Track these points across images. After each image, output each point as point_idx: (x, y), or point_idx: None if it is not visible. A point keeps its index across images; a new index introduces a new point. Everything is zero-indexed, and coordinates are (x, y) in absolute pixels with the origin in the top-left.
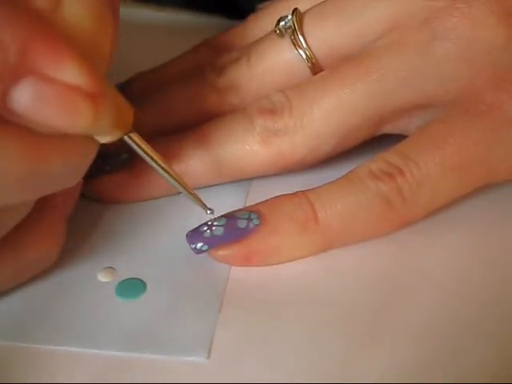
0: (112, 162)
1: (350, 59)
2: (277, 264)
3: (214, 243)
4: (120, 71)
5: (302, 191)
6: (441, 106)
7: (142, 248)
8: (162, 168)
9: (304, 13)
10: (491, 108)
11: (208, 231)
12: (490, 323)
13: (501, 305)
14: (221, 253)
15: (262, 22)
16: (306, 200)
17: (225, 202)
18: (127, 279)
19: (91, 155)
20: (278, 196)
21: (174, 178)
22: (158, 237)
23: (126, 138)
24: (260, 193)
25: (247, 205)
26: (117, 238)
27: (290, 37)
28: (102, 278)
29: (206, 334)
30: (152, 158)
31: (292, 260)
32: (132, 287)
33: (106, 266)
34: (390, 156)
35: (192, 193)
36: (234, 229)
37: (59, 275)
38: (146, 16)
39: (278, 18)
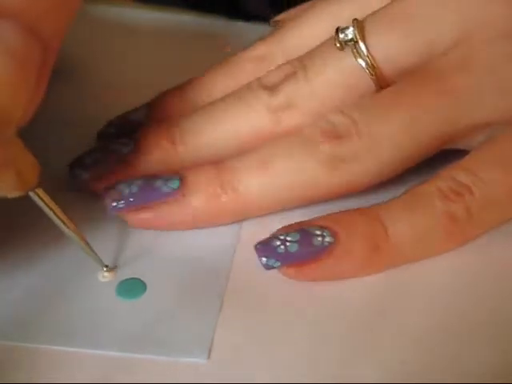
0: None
1: (419, 75)
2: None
3: (287, 260)
4: (120, 71)
5: (372, 207)
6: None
7: (142, 248)
8: (66, 225)
9: (364, 22)
10: None
11: (282, 247)
12: (492, 325)
13: (502, 306)
14: (292, 271)
15: (302, 30)
16: (376, 217)
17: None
18: (127, 279)
19: None
20: (348, 212)
21: (77, 235)
22: (158, 237)
23: (30, 193)
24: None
25: (241, 234)
26: (117, 238)
27: (352, 49)
28: (102, 278)
29: (206, 334)
30: (56, 215)
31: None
32: (132, 287)
33: (106, 265)
34: (457, 173)
35: (94, 254)
36: (309, 246)
37: (59, 275)
38: (146, 16)
39: (317, 23)
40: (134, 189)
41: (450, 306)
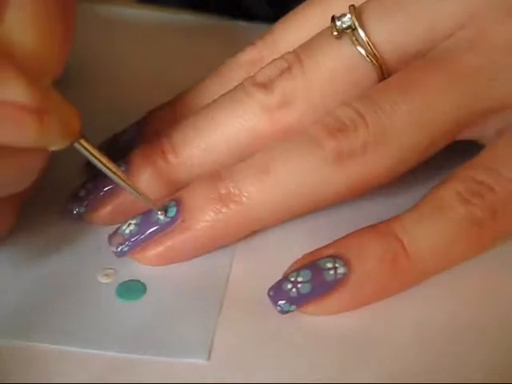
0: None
1: (427, 59)
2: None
3: (301, 302)
4: (121, 70)
5: (385, 224)
6: None
7: None
8: (114, 173)
9: (362, 9)
10: None
11: (294, 290)
12: (492, 327)
13: (503, 308)
14: (311, 308)
15: (292, 30)
16: (390, 233)
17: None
18: (127, 281)
19: (40, 162)
20: (358, 233)
21: (125, 182)
22: None
23: (76, 144)
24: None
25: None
26: None
27: (351, 37)
28: (102, 279)
29: (206, 335)
30: (102, 163)
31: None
32: (132, 289)
33: (105, 267)
34: (476, 173)
35: (145, 196)
36: (322, 282)
37: (59, 276)
38: (146, 16)
39: (307, 21)
40: (133, 228)
41: (450, 309)
